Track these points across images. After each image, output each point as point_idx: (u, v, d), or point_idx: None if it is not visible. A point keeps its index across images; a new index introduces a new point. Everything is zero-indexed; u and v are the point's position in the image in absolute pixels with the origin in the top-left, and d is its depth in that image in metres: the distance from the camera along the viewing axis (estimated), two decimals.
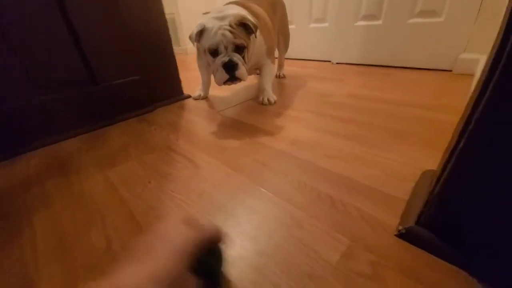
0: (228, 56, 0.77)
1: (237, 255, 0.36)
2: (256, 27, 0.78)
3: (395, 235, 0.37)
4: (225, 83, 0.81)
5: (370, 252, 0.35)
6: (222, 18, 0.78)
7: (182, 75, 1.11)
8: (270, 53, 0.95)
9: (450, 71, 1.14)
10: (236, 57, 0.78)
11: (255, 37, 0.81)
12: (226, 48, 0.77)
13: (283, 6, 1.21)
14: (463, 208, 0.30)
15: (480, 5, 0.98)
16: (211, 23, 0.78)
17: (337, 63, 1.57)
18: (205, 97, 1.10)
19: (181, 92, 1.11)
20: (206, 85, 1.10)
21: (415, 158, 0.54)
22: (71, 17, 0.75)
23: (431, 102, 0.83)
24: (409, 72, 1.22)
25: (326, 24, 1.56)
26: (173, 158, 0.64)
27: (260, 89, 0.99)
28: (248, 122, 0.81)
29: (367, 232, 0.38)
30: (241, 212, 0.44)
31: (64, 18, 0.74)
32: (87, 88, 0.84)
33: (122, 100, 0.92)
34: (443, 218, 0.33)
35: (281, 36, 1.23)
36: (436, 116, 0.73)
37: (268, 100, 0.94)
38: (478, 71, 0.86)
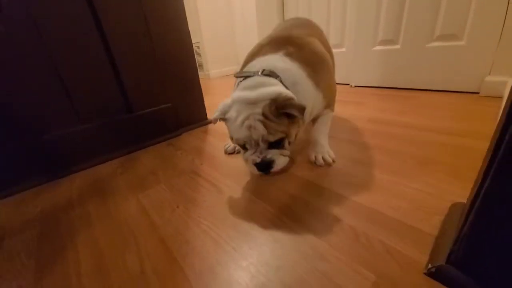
0: (260, 154, 0.58)
1: (261, 284, 0.37)
2: (303, 110, 0.54)
3: (425, 273, 0.36)
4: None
5: None
6: (254, 102, 0.56)
7: (205, 99, 1.18)
8: (330, 104, 0.73)
9: (478, 93, 1.10)
10: (272, 155, 0.58)
11: (303, 123, 0.62)
12: (257, 142, 0.57)
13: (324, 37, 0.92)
14: (494, 249, 0.29)
15: (503, 27, 0.97)
16: (237, 110, 0.57)
17: (355, 86, 1.59)
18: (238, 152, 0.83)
19: (205, 117, 1.19)
20: None
21: (443, 189, 0.52)
22: (112, 50, 0.85)
23: (458, 127, 0.81)
24: (432, 95, 1.20)
25: (344, 50, 1.61)
26: (198, 183, 0.68)
27: (313, 143, 0.73)
28: None
29: (393, 268, 0.37)
30: (264, 240, 0.45)
31: (107, 51, 0.85)
32: (123, 116, 0.93)
33: (153, 126, 1.00)
34: (474, 258, 0.32)
35: None
36: (463, 142, 0.71)
37: (323, 159, 0.68)
38: (507, 93, 0.82)
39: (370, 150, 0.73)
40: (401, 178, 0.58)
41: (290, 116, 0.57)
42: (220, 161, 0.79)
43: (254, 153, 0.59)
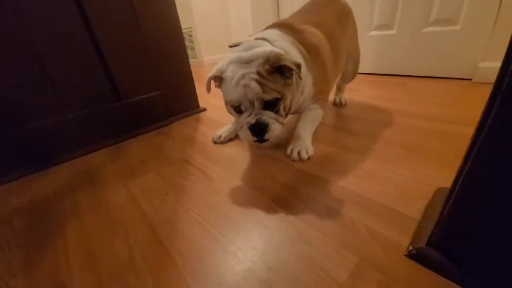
0: (255, 115, 0.58)
1: (247, 268, 0.38)
2: (299, 68, 0.55)
3: (405, 255, 0.37)
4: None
5: (378, 272, 0.35)
6: (248, 61, 0.57)
7: (198, 86, 1.16)
8: (319, 97, 0.72)
9: (470, 79, 1.10)
10: (266, 116, 0.58)
11: (300, 78, 0.57)
12: (252, 103, 0.57)
13: (353, 17, 0.91)
14: (472, 231, 0.30)
15: (498, 12, 0.95)
16: (232, 70, 0.58)
17: None
18: (229, 139, 0.83)
19: (197, 105, 1.17)
20: (234, 127, 0.83)
21: (429, 175, 0.53)
22: (97, 37, 0.82)
23: (448, 114, 0.81)
24: (426, 81, 1.19)
25: None
26: (189, 171, 0.68)
27: (294, 137, 0.69)
28: None
29: (376, 251, 0.38)
30: (252, 226, 0.46)
31: (91, 37, 0.81)
32: (111, 104, 0.91)
33: (142, 114, 0.98)
34: (452, 240, 0.33)
35: (350, 60, 0.93)
36: (452, 128, 0.71)
37: (299, 154, 0.65)
38: None
39: (360, 137, 0.73)
40: (389, 164, 0.59)
41: (284, 76, 0.58)
42: (212, 150, 0.79)
43: (249, 115, 0.59)
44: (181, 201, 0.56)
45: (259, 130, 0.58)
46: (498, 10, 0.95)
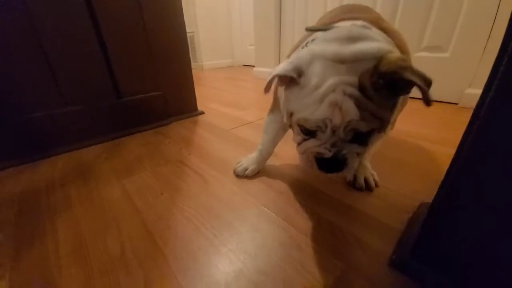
0: (332, 146, 0.38)
1: (239, 270, 0.39)
2: (429, 85, 0.32)
3: (388, 264, 0.39)
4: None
5: (363, 278, 0.37)
6: (347, 62, 0.34)
7: (197, 90, 1.18)
8: (394, 120, 0.56)
9: (457, 104, 1.17)
10: (348, 150, 0.38)
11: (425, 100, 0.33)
12: (336, 130, 0.36)
13: None
14: (449, 243, 0.33)
15: (487, 42, 1.03)
16: (319, 72, 0.35)
17: None
18: (256, 172, 0.66)
19: (196, 108, 1.18)
20: (265, 154, 0.65)
21: (415, 190, 0.56)
22: (103, 32, 0.83)
23: (435, 134, 0.86)
24: (416, 103, 1.25)
25: None
26: (185, 172, 0.69)
27: None
28: (257, 141, 0.86)
29: (362, 259, 0.40)
30: (245, 230, 0.47)
31: (98, 37, 0.83)
32: (111, 101, 0.91)
33: (141, 113, 0.99)
34: (430, 251, 0.35)
35: None
36: (438, 148, 0.75)
37: (367, 182, 0.56)
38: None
39: None
40: (378, 178, 0.61)
41: (397, 92, 0.35)
42: (209, 152, 0.80)
43: (322, 144, 0.38)
44: (176, 201, 0.57)
45: (331, 168, 0.40)
46: (488, 40, 1.02)
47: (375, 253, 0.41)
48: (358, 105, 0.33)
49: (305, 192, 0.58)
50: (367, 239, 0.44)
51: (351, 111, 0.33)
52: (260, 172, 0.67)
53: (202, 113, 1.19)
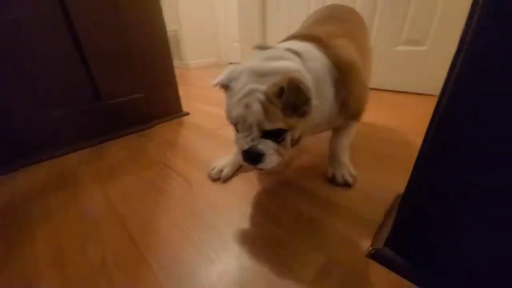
0: (250, 142, 0.47)
1: (222, 270, 0.40)
2: (308, 100, 0.44)
3: (366, 255, 0.40)
4: None
5: (343, 271, 0.38)
6: (263, 75, 0.46)
7: (182, 90, 1.16)
8: (355, 116, 0.63)
9: (435, 96, 1.21)
10: (264, 145, 0.46)
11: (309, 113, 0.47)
12: (250, 127, 0.46)
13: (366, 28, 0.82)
14: (421, 233, 0.34)
15: None
16: (243, 80, 0.46)
17: None
18: (229, 175, 0.65)
19: (180, 109, 1.17)
20: (236, 158, 0.66)
21: (393, 183, 0.58)
22: (78, 34, 0.80)
23: (414, 127, 0.89)
24: (399, 96, 1.29)
25: None
26: (169, 175, 0.68)
27: (330, 157, 0.63)
28: None
29: (341, 252, 0.42)
30: (229, 230, 0.48)
31: (72, 35, 0.79)
32: (91, 105, 0.89)
33: (123, 116, 0.97)
34: (403, 241, 0.37)
35: None
36: (416, 140, 0.78)
37: (344, 178, 0.58)
38: None
39: None
40: (358, 172, 0.63)
41: (299, 100, 0.44)
42: (193, 154, 0.80)
43: (244, 138, 0.48)
44: (160, 204, 0.56)
45: (251, 158, 0.47)
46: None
47: (354, 245, 0.43)
48: (264, 107, 0.43)
49: (287, 188, 0.59)
50: (346, 232, 0.45)
51: (257, 111, 0.44)
52: (244, 171, 0.67)
53: (187, 113, 1.18)
